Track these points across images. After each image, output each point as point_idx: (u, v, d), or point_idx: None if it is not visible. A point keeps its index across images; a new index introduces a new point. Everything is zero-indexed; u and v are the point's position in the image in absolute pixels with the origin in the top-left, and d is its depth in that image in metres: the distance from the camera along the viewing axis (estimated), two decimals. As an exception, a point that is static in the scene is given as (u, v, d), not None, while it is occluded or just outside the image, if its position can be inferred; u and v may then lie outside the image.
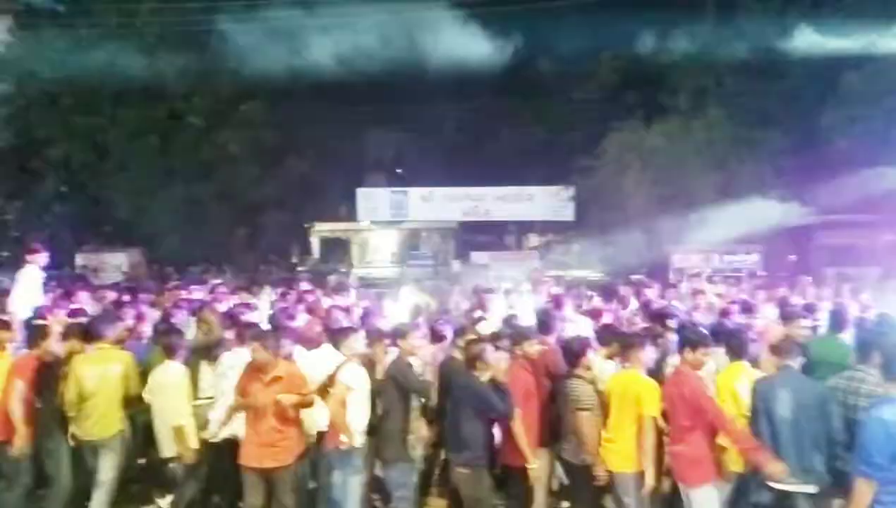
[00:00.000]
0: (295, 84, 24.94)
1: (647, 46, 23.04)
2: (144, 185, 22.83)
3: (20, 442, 5.90)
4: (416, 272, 25.28)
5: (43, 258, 8.64)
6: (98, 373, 6.00)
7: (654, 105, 21.58)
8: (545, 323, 6.67)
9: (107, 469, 6.03)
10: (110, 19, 23.84)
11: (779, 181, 19.80)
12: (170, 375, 6.08)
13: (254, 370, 5.60)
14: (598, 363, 6.11)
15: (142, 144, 22.99)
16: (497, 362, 5.70)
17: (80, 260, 21.12)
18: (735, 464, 5.43)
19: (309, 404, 5.70)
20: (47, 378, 6.04)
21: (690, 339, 5.45)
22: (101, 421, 6.00)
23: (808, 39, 19.81)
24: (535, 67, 26.92)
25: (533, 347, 5.96)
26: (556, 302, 8.76)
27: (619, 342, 6.01)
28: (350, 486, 5.82)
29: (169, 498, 6.39)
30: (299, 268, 25.01)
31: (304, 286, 12.61)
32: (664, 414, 5.47)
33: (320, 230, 34.43)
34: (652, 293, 10.60)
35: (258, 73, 24.67)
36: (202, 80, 24.22)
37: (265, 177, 24.95)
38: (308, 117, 26.61)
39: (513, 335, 6.24)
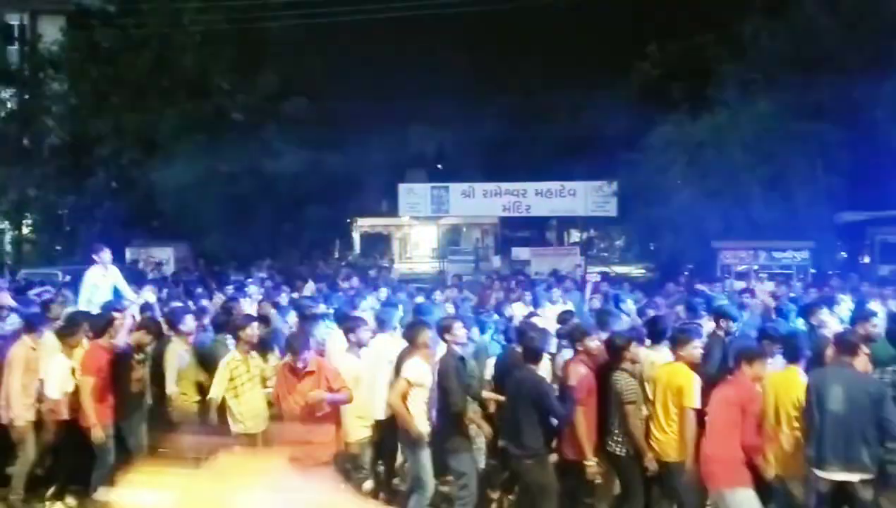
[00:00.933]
0: (336, 80, 25.19)
1: (692, 38, 22.62)
2: (190, 181, 23.24)
3: (95, 432, 6.36)
4: (456, 267, 25.34)
5: (107, 256, 9.14)
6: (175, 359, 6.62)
7: (699, 98, 21.11)
8: (604, 321, 6.74)
9: None
10: (158, 18, 24.32)
11: (831, 176, 19.22)
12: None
13: (287, 367, 5.67)
14: (645, 355, 6.12)
15: (188, 140, 23.41)
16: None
17: (129, 254, 21.61)
18: (775, 467, 5.43)
19: (345, 400, 5.69)
20: (120, 366, 6.53)
21: (749, 353, 5.39)
22: (182, 403, 6.61)
23: (860, 30, 19.19)
24: (577, 60, 26.66)
25: (594, 343, 5.98)
26: (612, 298, 8.67)
27: (669, 335, 6.06)
28: (421, 460, 5.99)
29: None
30: (342, 264, 25.24)
31: (354, 281, 12.93)
32: (702, 414, 5.47)
33: (362, 225, 34.72)
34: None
35: (301, 70, 24.99)
36: (247, 78, 24.57)
37: (308, 173, 25.20)
38: (350, 113, 26.83)
39: (573, 331, 6.25)
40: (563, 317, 7.39)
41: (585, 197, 25.62)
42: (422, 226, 34.65)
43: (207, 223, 23.27)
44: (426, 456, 6.02)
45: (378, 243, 35.69)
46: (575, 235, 34.42)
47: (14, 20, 29.58)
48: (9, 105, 26.44)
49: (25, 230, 27.11)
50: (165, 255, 21.58)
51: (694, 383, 5.51)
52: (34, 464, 6.68)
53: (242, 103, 24.44)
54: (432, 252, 34.39)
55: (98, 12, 26.45)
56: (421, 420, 5.92)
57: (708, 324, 7.02)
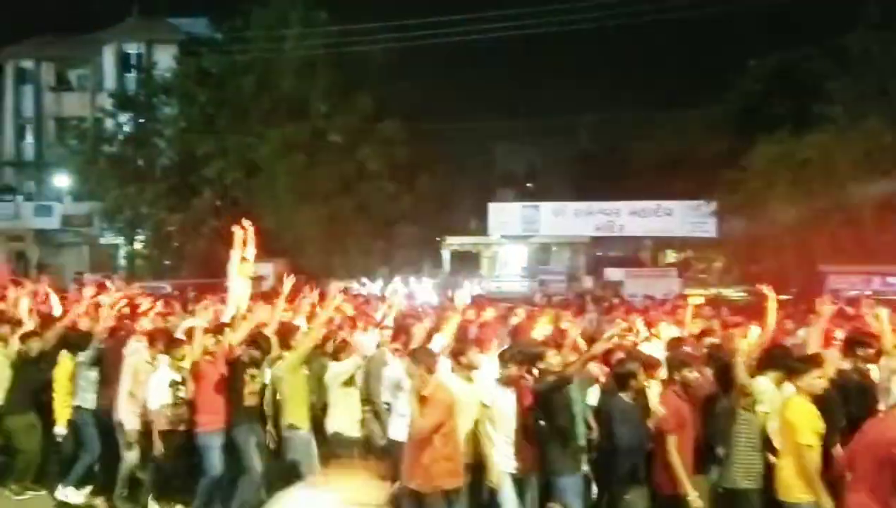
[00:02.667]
0: (429, 101, 25.63)
1: (794, 52, 21.78)
2: (289, 199, 24.11)
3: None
4: (546, 287, 25.06)
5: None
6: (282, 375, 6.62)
7: (805, 114, 20.22)
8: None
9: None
10: (261, 45, 25.49)
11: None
12: None
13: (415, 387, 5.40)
14: (761, 386, 5.75)
15: (288, 161, 24.32)
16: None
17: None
18: None
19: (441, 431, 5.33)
20: (232, 378, 6.54)
21: None
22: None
23: None
24: (674, 74, 26.09)
25: (692, 374, 5.66)
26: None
27: (784, 366, 5.54)
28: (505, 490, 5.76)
29: None
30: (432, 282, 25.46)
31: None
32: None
33: (451, 243, 34.94)
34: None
35: (395, 93, 25.60)
36: (344, 100, 25.35)
37: (400, 193, 25.69)
38: (442, 133, 27.21)
39: (671, 360, 5.96)
40: (672, 344, 6.94)
41: (682, 216, 24.92)
42: (511, 245, 34.48)
43: (304, 240, 24.05)
44: (509, 485, 5.72)
45: (467, 262, 35.72)
46: (670, 256, 33.41)
47: (132, 49, 31.80)
48: (125, 128, 28.31)
49: (138, 245, 28.83)
50: (266, 271, 22.41)
51: (807, 418, 5.02)
52: (136, 469, 6.87)
53: (339, 125, 25.21)
54: (522, 271, 34.14)
55: (207, 40, 28.08)
56: (499, 446, 5.68)
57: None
